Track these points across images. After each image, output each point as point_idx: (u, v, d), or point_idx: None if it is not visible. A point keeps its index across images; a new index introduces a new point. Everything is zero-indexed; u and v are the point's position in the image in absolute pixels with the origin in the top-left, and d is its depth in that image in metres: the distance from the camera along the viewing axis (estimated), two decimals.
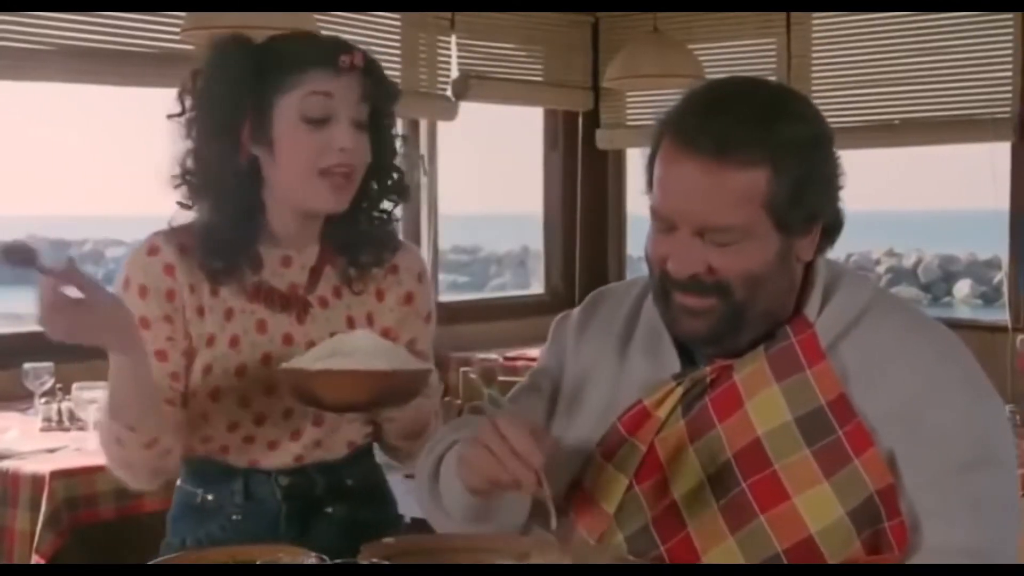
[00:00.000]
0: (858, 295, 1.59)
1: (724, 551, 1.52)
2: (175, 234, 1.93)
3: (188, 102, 1.93)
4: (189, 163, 1.91)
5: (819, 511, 1.49)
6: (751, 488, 1.52)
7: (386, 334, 1.96)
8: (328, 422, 1.97)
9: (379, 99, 1.92)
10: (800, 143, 1.50)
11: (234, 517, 1.96)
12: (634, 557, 1.54)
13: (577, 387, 1.72)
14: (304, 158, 1.86)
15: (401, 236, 2.11)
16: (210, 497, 1.98)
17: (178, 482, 2.05)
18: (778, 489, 1.51)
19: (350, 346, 1.73)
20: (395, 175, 1.99)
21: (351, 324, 1.97)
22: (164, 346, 1.91)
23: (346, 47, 1.89)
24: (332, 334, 1.90)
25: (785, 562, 1.50)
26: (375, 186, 1.97)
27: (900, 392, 1.52)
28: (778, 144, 1.48)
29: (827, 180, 1.54)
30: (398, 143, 2.00)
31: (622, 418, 1.61)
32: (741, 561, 1.51)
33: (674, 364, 1.62)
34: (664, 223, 1.53)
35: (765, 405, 1.54)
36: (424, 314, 2.06)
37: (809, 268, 1.59)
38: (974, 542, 1.48)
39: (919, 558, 1.48)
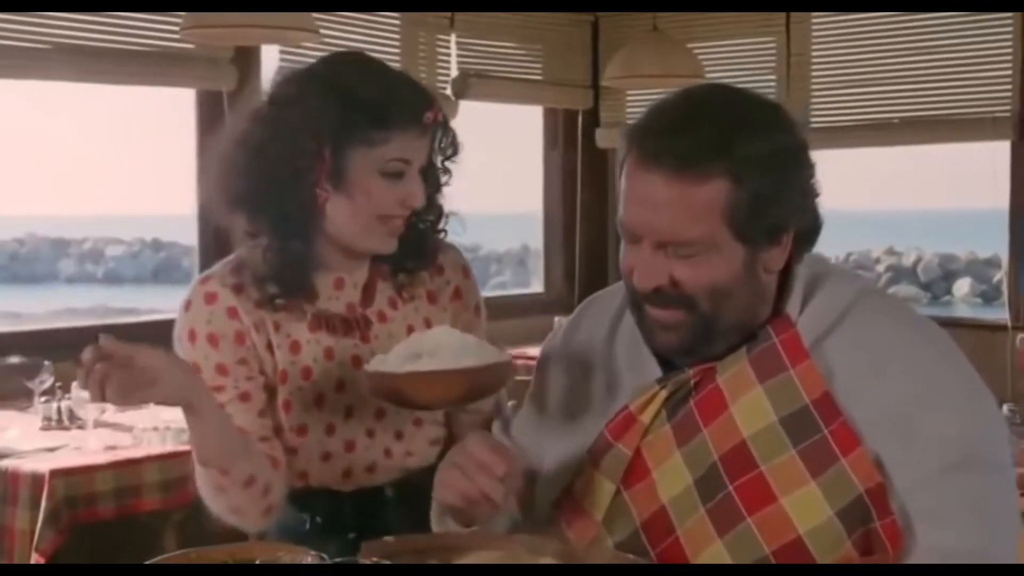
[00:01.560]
0: (842, 293, 1.58)
1: (713, 554, 1.52)
2: (225, 276, 1.92)
3: (259, 128, 1.88)
4: (253, 186, 1.88)
5: (807, 512, 1.49)
6: (737, 491, 1.52)
7: None
8: (407, 433, 1.98)
9: (442, 151, 1.95)
10: (761, 157, 1.48)
11: (351, 535, 1.92)
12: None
13: (566, 397, 1.74)
14: (375, 206, 1.87)
15: None
16: (319, 519, 1.98)
17: None
18: (765, 491, 1.50)
19: (432, 344, 1.70)
20: (438, 209, 2.01)
21: (411, 331, 1.96)
22: (246, 387, 1.90)
23: (429, 102, 1.88)
24: None
25: (774, 563, 1.49)
26: (421, 216, 1.97)
27: (892, 393, 1.50)
28: (738, 158, 1.47)
29: (793, 191, 1.53)
30: (444, 180, 2.00)
31: (609, 425, 1.62)
32: (729, 563, 1.51)
33: (655, 369, 1.63)
34: (629, 235, 1.54)
35: (749, 407, 1.53)
36: (472, 306, 2.08)
37: (788, 268, 1.59)
38: (969, 544, 1.47)
39: (914, 560, 1.47)
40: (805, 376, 1.52)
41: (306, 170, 1.85)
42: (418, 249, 1.99)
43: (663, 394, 1.59)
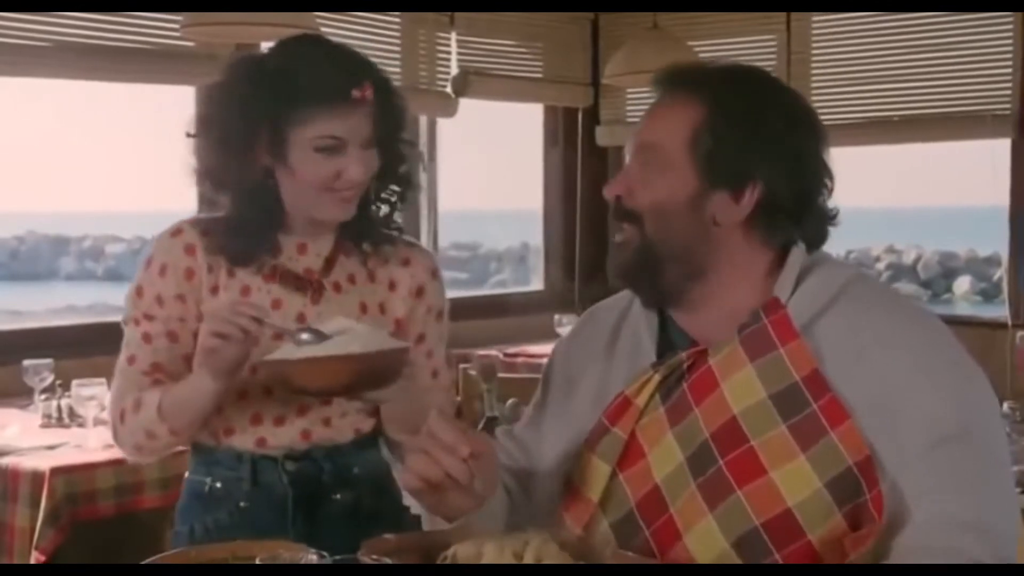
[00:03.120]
0: (833, 278, 1.61)
1: (704, 528, 1.54)
2: (200, 221, 2.03)
3: (205, 111, 2.00)
4: (209, 163, 1.98)
5: (796, 484, 1.51)
6: (728, 465, 1.54)
7: (398, 325, 2.02)
8: (335, 403, 2.01)
9: (387, 122, 1.98)
10: (746, 102, 1.60)
11: (242, 504, 2.01)
12: (619, 543, 1.57)
13: (566, 395, 1.77)
14: (317, 181, 1.94)
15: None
16: (218, 485, 2.03)
17: (186, 474, 2.10)
18: (755, 464, 1.53)
19: (328, 333, 1.76)
20: (400, 179, 2.05)
21: (364, 310, 2.02)
22: (175, 327, 1.99)
23: (357, 78, 1.92)
24: None
25: (764, 535, 1.51)
26: (381, 186, 2.04)
27: (881, 375, 1.52)
28: (718, 94, 1.60)
29: (770, 146, 1.59)
30: (405, 150, 2.04)
31: (606, 410, 1.65)
32: (720, 537, 1.53)
33: (651, 356, 1.67)
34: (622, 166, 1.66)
35: (740, 385, 1.56)
36: (436, 311, 2.11)
37: (783, 254, 1.63)
38: (969, 515, 1.47)
39: (911, 532, 1.47)
40: (795, 354, 1.55)
41: (247, 145, 1.93)
42: (373, 225, 2.04)
43: (657, 378, 1.63)
